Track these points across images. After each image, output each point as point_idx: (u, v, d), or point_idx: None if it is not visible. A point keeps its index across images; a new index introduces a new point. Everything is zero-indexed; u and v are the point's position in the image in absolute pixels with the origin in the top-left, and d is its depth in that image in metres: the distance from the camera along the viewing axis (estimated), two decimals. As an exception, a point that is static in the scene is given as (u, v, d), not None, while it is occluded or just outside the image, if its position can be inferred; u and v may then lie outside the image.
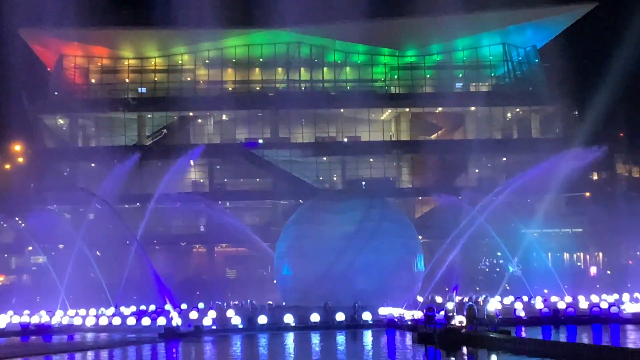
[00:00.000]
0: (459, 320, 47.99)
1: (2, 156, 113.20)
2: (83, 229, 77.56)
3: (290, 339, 53.71)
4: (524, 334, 50.17)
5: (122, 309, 69.22)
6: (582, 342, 43.47)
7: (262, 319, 58.88)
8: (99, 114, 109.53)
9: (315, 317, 59.16)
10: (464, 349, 44.04)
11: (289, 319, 59.38)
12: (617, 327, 54.80)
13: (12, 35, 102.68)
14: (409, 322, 55.76)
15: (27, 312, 67.00)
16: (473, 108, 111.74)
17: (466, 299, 62.28)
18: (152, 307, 69.89)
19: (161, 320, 58.66)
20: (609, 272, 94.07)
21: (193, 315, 63.34)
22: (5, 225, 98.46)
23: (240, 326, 58.95)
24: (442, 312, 49.49)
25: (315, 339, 53.57)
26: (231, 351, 48.66)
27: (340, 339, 53.30)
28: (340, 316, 59.38)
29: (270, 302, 69.66)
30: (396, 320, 58.60)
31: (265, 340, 53.11)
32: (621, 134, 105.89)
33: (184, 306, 70.48)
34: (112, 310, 68.24)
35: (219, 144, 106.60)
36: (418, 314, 54.74)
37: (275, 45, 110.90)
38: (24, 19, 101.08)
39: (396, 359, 42.67)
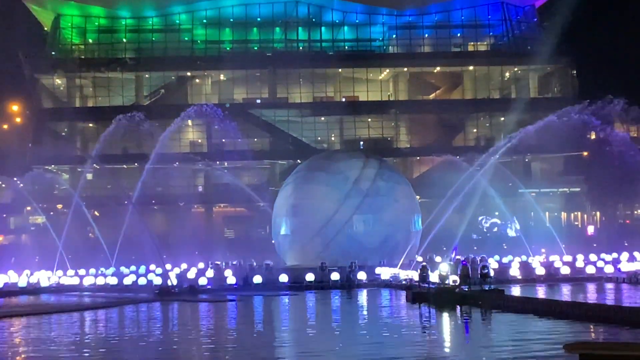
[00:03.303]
0: (452, 279, 48.24)
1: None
2: (80, 189, 77.71)
3: (284, 298, 54.01)
4: (518, 293, 50.41)
5: (122, 269, 69.61)
6: (576, 301, 43.67)
7: (257, 279, 59.24)
8: (96, 74, 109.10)
9: (310, 277, 59.45)
10: (458, 308, 44.27)
11: (284, 278, 59.72)
12: (613, 286, 55.02)
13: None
14: (404, 282, 56.03)
15: (27, 271, 67.11)
16: (471, 67, 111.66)
17: (459, 258, 62.38)
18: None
19: (157, 280, 59.25)
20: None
21: (190, 274, 63.83)
22: (3, 185, 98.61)
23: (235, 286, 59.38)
24: (437, 272, 49.59)
25: (310, 298, 53.93)
26: (223, 309, 48.91)
27: (334, 298, 53.61)
28: (335, 276, 59.66)
29: (269, 263, 69.97)
30: (391, 279, 58.95)
31: (259, 299, 53.45)
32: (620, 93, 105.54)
33: (184, 265, 71.02)
34: (111, 270, 68.57)
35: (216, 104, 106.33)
36: (413, 274, 54.93)
37: (273, 5, 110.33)
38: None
39: (390, 318, 42.92)
